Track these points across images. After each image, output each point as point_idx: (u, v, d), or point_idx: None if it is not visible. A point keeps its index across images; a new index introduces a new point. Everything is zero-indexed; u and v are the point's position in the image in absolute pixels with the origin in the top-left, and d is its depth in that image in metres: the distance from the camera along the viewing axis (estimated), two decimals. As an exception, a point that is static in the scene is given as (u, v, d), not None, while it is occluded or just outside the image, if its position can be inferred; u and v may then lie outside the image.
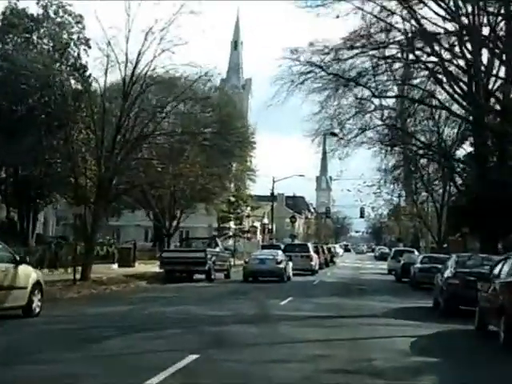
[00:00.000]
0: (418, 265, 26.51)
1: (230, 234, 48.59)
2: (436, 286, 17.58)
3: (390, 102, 31.56)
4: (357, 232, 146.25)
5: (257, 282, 27.27)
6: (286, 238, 74.87)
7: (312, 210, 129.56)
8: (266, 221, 72.70)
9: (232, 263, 39.00)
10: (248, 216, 51.71)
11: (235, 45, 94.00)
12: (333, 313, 15.80)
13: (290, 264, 30.79)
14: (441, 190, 42.51)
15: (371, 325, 13.35)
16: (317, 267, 37.69)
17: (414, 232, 62.55)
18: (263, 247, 41.33)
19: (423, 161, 37.06)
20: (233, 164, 45.03)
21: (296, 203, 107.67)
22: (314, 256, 37.51)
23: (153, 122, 23.97)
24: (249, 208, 62.14)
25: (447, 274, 16.01)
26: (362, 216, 79.01)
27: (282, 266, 28.30)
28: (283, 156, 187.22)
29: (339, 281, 31.37)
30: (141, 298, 19.39)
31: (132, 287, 23.38)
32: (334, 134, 31.68)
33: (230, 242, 55.12)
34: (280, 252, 30.57)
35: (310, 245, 40.57)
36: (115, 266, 32.95)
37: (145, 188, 30.30)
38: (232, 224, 49.72)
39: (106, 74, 24.03)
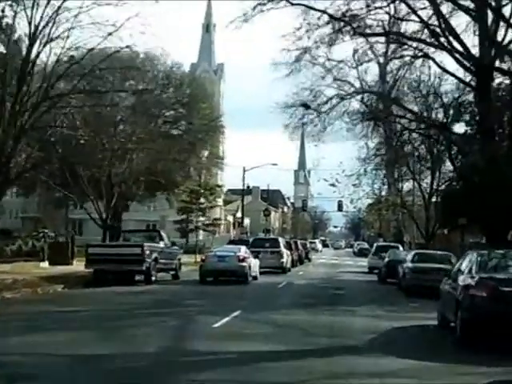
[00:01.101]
0: (409, 264, 21.33)
1: (192, 227, 42.97)
2: (443, 297, 12.19)
3: (371, 82, 26.94)
4: (335, 227, 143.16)
5: (214, 284, 23.01)
6: (261, 233, 70.88)
7: (289, 204, 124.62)
8: (239, 215, 68.09)
9: (191, 260, 34.20)
10: (212, 207, 46.14)
11: (207, 28, 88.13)
12: (291, 344, 10.09)
13: (257, 262, 26.82)
14: (429, 178, 37.57)
15: (350, 374, 7.77)
16: (288, 265, 33.41)
17: (397, 225, 57.62)
18: (230, 242, 36.51)
19: (410, 140, 32.12)
20: (200, 150, 40.36)
21: (272, 197, 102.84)
22: (286, 252, 33.27)
23: (66, 79, 18.47)
24: (220, 200, 56.99)
25: (465, 279, 10.53)
26: (340, 209, 74.85)
27: (245, 264, 24.31)
28: (261, 151, 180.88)
29: (312, 282, 26.12)
30: (22, 314, 13.57)
31: (39, 294, 17.82)
32: (307, 106, 26.83)
33: (201, 236, 49.94)
34: (244, 248, 25.97)
35: (280, 239, 35.98)
36: (45, 263, 27.64)
37: (77, 168, 24.72)
38: (200, 216, 44.17)
39: (14, 19, 20.31)
